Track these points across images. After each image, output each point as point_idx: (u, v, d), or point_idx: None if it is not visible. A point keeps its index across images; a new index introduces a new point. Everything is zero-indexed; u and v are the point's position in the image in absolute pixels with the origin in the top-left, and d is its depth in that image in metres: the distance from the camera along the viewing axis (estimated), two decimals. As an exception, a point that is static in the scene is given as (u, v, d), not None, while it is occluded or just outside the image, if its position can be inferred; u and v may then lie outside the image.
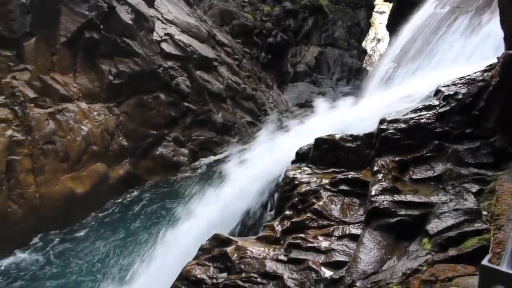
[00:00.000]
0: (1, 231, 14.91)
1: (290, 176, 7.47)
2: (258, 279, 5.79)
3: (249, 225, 8.53)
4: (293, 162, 8.11)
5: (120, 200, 18.21)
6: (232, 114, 22.96)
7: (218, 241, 6.39)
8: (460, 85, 7.01)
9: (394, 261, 5.48)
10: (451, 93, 6.96)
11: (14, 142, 15.98)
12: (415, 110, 7.38)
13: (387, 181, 6.42)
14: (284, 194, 7.34)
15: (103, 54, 19.31)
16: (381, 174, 6.59)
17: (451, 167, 6.21)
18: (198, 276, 5.96)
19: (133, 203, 18.02)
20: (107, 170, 18.22)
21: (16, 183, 15.72)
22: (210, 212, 9.70)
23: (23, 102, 16.72)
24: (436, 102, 7.13)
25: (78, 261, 15.06)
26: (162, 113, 20.46)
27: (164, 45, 21.78)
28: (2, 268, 14.85)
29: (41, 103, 17.19)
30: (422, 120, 7.01)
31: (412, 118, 7.13)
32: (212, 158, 20.69)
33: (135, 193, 18.63)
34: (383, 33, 49.77)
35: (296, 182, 7.25)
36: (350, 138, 7.66)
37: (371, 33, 51.05)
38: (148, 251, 10.71)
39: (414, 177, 6.50)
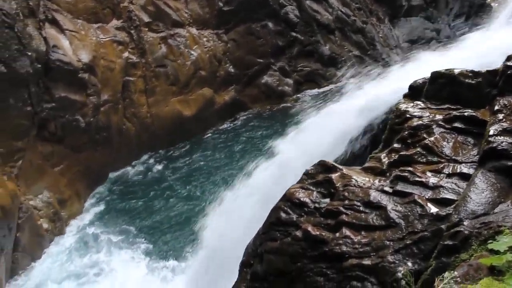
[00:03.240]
0: (116, 147, 16.14)
1: (402, 109, 7.21)
2: (361, 208, 5.80)
3: (355, 155, 8.49)
4: (405, 95, 7.80)
5: (224, 124, 18.79)
6: (340, 46, 22.28)
7: (323, 167, 6.43)
8: None
9: (508, 205, 5.21)
10: None
11: (130, 64, 16.90)
12: (549, 47, 6.69)
13: (508, 122, 6.00)
14: (394, 127, 7.13)
15: (214, -19, 19.39)
16: (502, 114, 6.15)
17: None
18: (301, 199, 6.09)
19: (237, 128, 18.52)
20: (213, 95, 18.77)
21: (130, 102, 16.76)
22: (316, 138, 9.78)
23: (138, 26, 17.46)
24: None
25: (182, 177, 16.05)
26: (269, 42, 20.38)
27: (275, -27, 21.34)
28: (115, 178, 16.25)
29: (154, 28, 17.85)
30: (557, 59, 6.36)
31: (545, 56, 6.49)
32: (316, 90, 20.44)
33: (240, 118, 19.07)
34: (514, -35, 44.78)
35: (408, 115, 6.99)
36: (471, 74, 7.15)
37: (500, -35, 46.14)
38: (252, 168, 11.07)
39: (540, 119, 6.01)
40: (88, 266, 12.91)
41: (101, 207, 15.06)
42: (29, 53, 13.20)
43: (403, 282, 2.92)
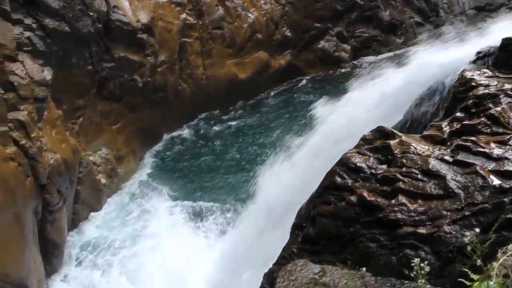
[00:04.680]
0: (172, 107, 16.41)
1: (467, 76, 6.90)
2: (419, 176, 5.66)
3: (413, 123, 8.27)
4: (471, 62, 7.45)
5: (279, 88, 18.71)
6: (400, 12, 21.52)
7: (381, 133, 6.29)
8: None
9: None
10: None
11: (187, 25, 16.98)
12: None
13: None
14: (457, 95, 6.86)
15: None
16: None
17: None
18: (358, 164, 6.00)
19: (292, 93, 18.41)
20: (269, 59, 18.65)
21: (187, 64, 16.93)
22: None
23: (196, -13, 17.45)
24: None
25: (235, 139, 16.23)
26: (327, 6, 19.92)
27: None
28: (170, 138, 16.61)
29: (211, -12, 17.78)
30: None
31: None
32: (374, 57, 19.95)
33: (295, 83, 18.92)
34: None
35: (473, 83, 6.69)
36: (545, 42, 6.74)
37: None
38: (307, 134, 11.03)
39: None
40: (140, 221, 13.46)
41: (155, 165, 15.49)
42: (91, 13, 13.47)
43: (469, 248, 2.85)
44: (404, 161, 5.77)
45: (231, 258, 10.61)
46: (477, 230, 3.37)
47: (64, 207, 12.07)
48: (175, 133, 16.82)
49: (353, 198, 5.79)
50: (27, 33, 11.95)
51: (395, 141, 6.07)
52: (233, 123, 17.05)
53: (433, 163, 5.65)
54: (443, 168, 5.63)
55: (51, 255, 11.92)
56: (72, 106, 13.29)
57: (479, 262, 2.83)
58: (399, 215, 5.53)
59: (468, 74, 6.94)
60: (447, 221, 5.35)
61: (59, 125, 12.44)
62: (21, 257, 10.44)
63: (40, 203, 11.25)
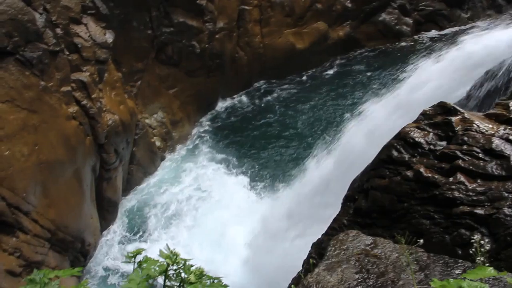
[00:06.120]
0: (228, 74, 16.47)
1: (540, 53, 6.54)
2: (480, 155, 5.45)
3: (474, 101, 7.94)
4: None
5: (337, 60, 18.36)
6: (469, -15, 20.51)
7: (442, 108, 6.07)
8: None
9: None
10: None
11: (246, -7, 16.84)
12: None
13: None
14: (528, 73, 6.52)
15: None
16: None
17: None
18: (416, 139, 5.84)
19: (350, 65, 18.02)
20: (328, 30, 18.27)
21: (245, 31, 16.86)
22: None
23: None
24: None
25: (289, 109, 16.19)
26: (391, -23, 19.22)
27: None
28: (225, 105, 16.75)
29: (273, -44, 17.46)
30: None
31: None
32: (436, 32, 19.13)
33: (354, 56, 18.50)
34: None
35: (546, 61, 6.33)
36: None
37: None
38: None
39: None
40: (192, 182, 13.87)
41: (210, 130, 15.73)
42: (153, -23, 13.62)
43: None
44: (466, 138, 5.56)
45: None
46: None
47: (120, 166, 12.50)
48: (230, 100, 16.96)
49: (409, 173, 5.66)
50: (92, -4, 12.23)
51: (457, 117, 5.84)
52: (288, 93, 16.96)
53: (497, 143, 5.42)
54: (507, 149, 5.39)
55: (106, 211, 12.45)
56: (131, 69, 13.60)
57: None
58: (456, 194, 5.37)
59: (541, 51, 6.57)
60: (507, 203, 5.16)
61: (118, 87, 12.78)
62: (79, 211, 10.96)
63: (98, 162, 11.70)
